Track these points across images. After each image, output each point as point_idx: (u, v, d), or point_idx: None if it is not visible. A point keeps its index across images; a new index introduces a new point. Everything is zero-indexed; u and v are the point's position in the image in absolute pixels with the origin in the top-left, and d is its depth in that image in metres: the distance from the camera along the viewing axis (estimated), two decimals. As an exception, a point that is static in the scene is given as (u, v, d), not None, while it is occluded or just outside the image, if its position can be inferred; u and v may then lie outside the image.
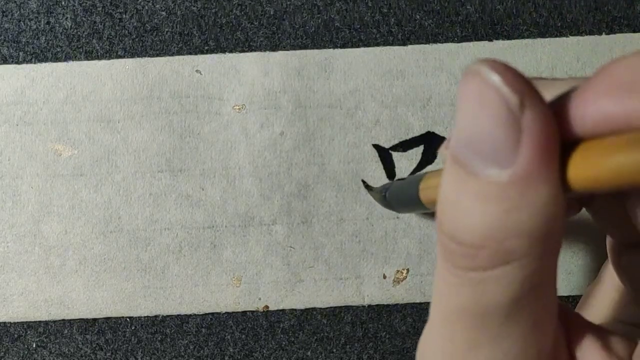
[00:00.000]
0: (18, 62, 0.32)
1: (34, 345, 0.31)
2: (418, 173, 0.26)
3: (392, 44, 0.32)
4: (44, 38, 0.32)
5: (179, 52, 0.32)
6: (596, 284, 0.25)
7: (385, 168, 0.31)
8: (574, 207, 0.19)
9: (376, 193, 0.31)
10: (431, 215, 0.31)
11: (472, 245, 0.14)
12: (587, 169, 0.13)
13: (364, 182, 0.31)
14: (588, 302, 0.25)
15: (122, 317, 0.31)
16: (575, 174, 0.14)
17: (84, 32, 0.32)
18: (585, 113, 0.13)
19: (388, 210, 0.31)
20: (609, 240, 0.20)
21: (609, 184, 0.13)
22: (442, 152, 0.23)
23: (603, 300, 0.24)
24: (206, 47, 0.32)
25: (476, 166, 0.14)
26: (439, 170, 0.25)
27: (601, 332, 0.17)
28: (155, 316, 0.31)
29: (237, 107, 0.31)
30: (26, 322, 0.31)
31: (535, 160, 0.13)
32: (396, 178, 0.31)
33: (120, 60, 0.32)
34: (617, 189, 0.13)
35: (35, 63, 0.32)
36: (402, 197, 0.28)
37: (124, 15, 0.32)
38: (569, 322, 0.17)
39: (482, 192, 0.14)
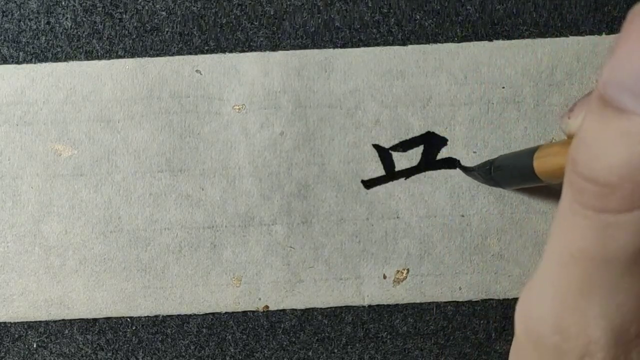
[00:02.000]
0: (18, 62, 0.32)
1: (35, 346, 0.31)
2: (527, 148, 0.26)
3: (392, 44, 0.32)
4: (44, 38, 0.32)
5: (179, 52, 0.32)
6: None
7: (385, 168, 0.31)
8: None
9: (477, 170, 0.30)
10: (432, 215, 0.31)
11: (607, 184, 0.14)
12: None
13: (459, 164, 0.31)
14: None
15: (123, 317, 0.31)
16: None
17: (84, 32, 0.32)
18: None
19: (388, 210, 0.31)
20: None
21: None
22: (565, 120, 0.23)
23: None
24: (206, 47, 0.32)
25: (628, 104, 0.13)
26: (558, 141, 0.25)
27: None
28: (156, 316, 0.31)
29: (237, 107, 0.31)
30: (27, 322, 0.31)
31: None
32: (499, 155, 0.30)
33: (120, 60, 0.32)
34: None
35: (35, 63, 0.32)
36: (511, 170, 0.28)
37: (124, 15, 0.32)
38: None
39: (629, 131, 0.13)
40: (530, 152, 0.25)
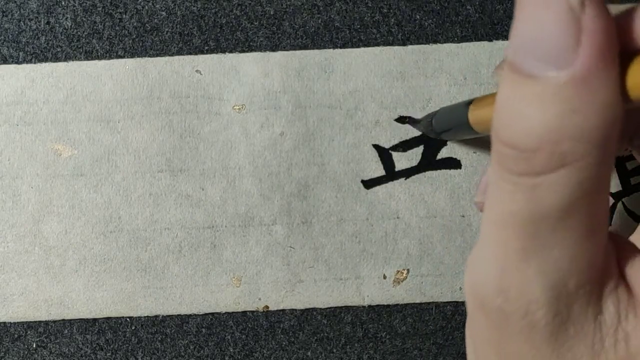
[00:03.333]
0: (18, 62, 0.32)
1: (34, 345, 0.31)
2: (467, 99, 0.27)
3: (392, 44, 0.32)
4: (44, 38, 0.32)
5: (179, 52, 0.32)
6: None
7: (385, 168, 0.31)
8: (621, 146, 0.20)
9: (422, 122, 0.31)
10: (432, 215, 0.31)
11: (527, 149, 0.14)
12: None
13: (407, 118, 0.31)
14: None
15: (122, 317, 0.31)
16: (633, 81, 0.14)
17: (84, 32, 0.32)
18: None
19: (388, 210, 0.31)
20: None
21: None
22: (498, 72, 0.23)
23: None
24: (206, 47, 0.32)
25: (534, 69, 0.14)
26: (490, 93, 0.25)
27: None
28: (156, 316, 0.31)
29: (237, 107, 0.31)
30: (26, 322, 0.31)
31: (595, 59, 0.13)
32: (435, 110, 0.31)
33: (120, 60, 0.32)
34: None
35: (35, 63, 0.32)
36: (450, 121, 0.28)
37: (124, 15, 0.32)
38: (619, 245, 0.17)
39: (540, 95, 0.14)
40: (467, 104, 0.25)
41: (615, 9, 0.14)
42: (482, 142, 0.31)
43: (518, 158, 0.14)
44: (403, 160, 0.31)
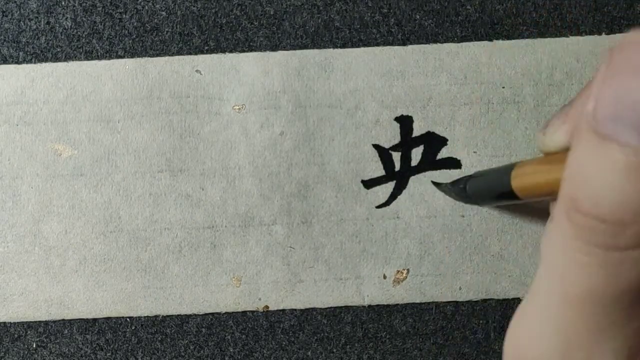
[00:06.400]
0: (18, 62, 0.32)
1: (34, 346, 0.31)
2: (503, 165, 0.26)
3: (392, 44, 0.32)
4: (44, 38, 0.32)
5: (179, 52, 0.32)
6: None
7: (385, 168, 0.31)
8: None
9: (450, 187, 0.30)
10: (432, 215, 0.31)
11: (619, 222, 0.13)
12: None
13: (433, 182, 0.31)
14: None
15: (122, 317, 0.31)
16: None
17: (84, 32, 0.32)
18: None
19: (388, 210, 0.31)
20: None
21: None
22: (540, 137, 0.22)
23: None
24: (206, 47, 0.32)
25: (632, 140, 0.13)
26: (534, 158, 0.24)
27: None
28: (156, 316, 0.31)
29: (237, 107, 0.31)
30: (26, 322, 0.31)
31: None
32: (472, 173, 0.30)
33: (120, 60, 0.32)
34: None
35: (35, 63, 0.32)
36: (487, 187, 0.28)
37: (124, 15, 0.32)
38: None
39: (634, 165, 0.13)
40: (507, 170, 0.25)
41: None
42: (483, 142, 0.31)
43: (605, 231, 0.14)
44: (403, 160, 0.31)
